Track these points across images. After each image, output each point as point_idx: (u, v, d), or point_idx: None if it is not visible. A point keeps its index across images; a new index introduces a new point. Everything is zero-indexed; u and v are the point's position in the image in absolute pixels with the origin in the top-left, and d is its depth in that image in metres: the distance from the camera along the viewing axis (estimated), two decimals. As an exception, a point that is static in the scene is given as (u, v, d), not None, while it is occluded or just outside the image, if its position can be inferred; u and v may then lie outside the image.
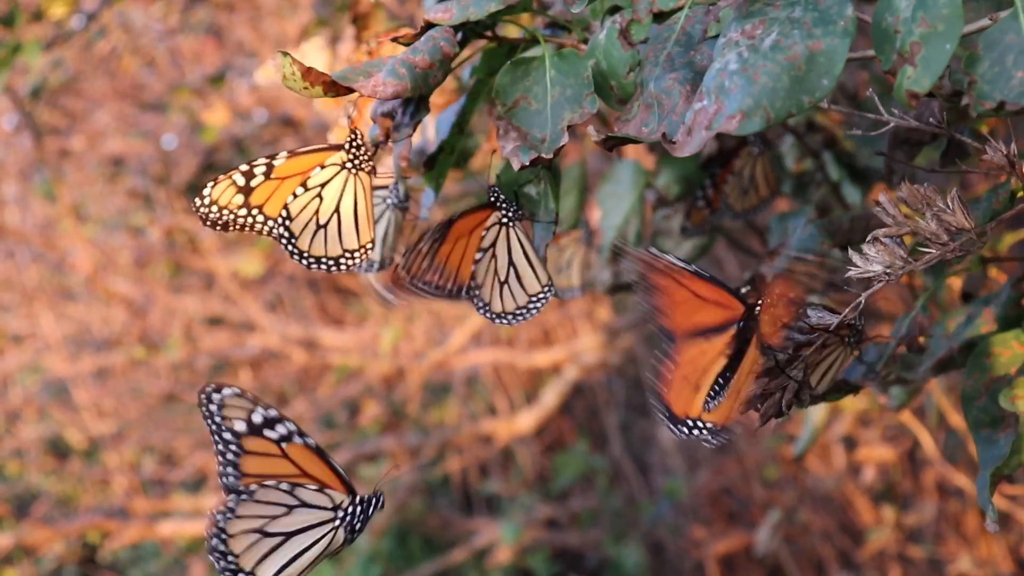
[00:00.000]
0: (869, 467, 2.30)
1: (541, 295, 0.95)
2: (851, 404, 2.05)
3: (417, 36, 0.85)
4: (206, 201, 0.94)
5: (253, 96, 3.09)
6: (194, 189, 3.60)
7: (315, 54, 1.57)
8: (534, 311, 0.95)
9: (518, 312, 0.95)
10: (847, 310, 0.78)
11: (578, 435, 3.59)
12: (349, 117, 1.18)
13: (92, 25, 2.86)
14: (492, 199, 0.93)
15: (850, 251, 0.77)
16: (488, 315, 0.95)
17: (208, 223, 0.95)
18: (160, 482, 3.66)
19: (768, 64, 0.68)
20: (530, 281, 0.95)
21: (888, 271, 0.76)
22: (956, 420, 2.01)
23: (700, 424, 0.81)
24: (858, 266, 0.77)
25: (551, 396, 3.11)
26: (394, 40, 0.86)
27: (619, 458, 3.39)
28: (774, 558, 2.78)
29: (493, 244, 0.93)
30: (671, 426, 0.82)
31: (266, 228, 0.95)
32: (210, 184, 0.94)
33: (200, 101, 3.06)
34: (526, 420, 3.12)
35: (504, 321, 0.95)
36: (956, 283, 1.09)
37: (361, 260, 0.97)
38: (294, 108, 3.18)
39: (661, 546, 3.21)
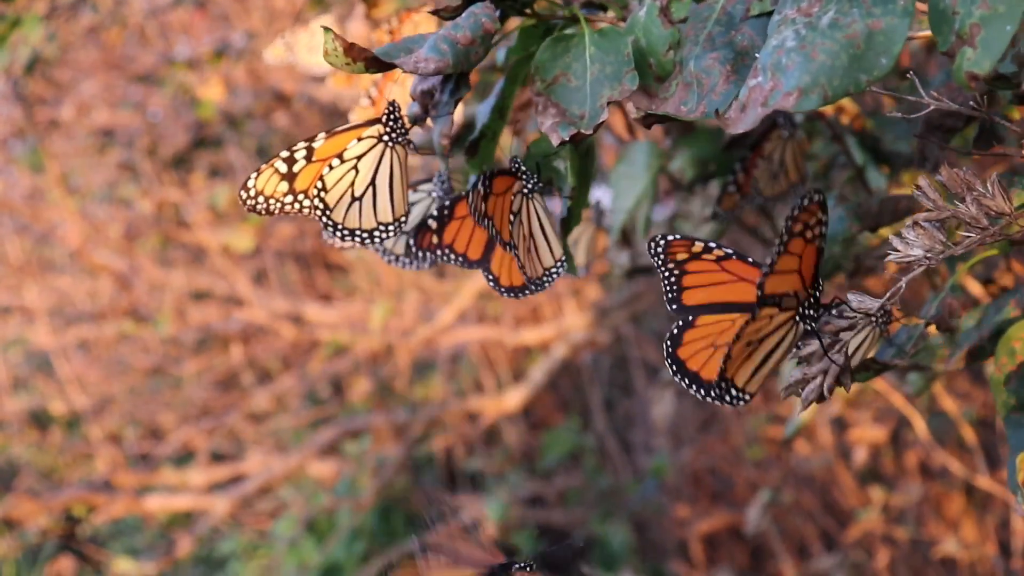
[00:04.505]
0: (860, 448, 2.31)
1: (555, 268, 0.95)
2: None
3: (458, 11, 0.85)
4: (251, 193, 0.94)
5: (244, 71, 3.08)
6: (183, 162, 3.58)
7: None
8: (547, 283, 0.96)
9: (532, 284, 0.95)
10: (888, 294, 0.79)
11: (564, 413, 3.59)
12: (370, 97, 1.18)
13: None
14: (513, 169, 0.94)
15: (891, 236, 0.77)
16: (507, 286, 0.96)
17: (256, 212, 0.95)
18: (145, 456, 3.65)
19: (826, 42, 0.68)
20: (545, 253, 0.95)
21: (928, 255, 0.76)
22: (947, 404, 2.02)
23: (740, 391, 0.82)
24: (898, 250, 0.77)
25: (539, 374, 3.11)
26: (434, 13, 0.86)
27: (603, 436, 3.39)
28: (757, 538, 2.79)
29: (519, 211, 0.94)
30: (702, 391, 0.83)
31: (317, 213, 0.95)
32: (253, 175, 0.94)
33: (194, 76, 3.05)
34: (514, 398, 3.12)
35: (518, 294, 0.96)
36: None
37: (396, 233, 0.97)
38: (283, 82, 3.17)
39: (646, 525, 3.22)
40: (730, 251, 0.83)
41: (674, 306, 0.84)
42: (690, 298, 0.84)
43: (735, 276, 0.83)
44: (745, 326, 0.79)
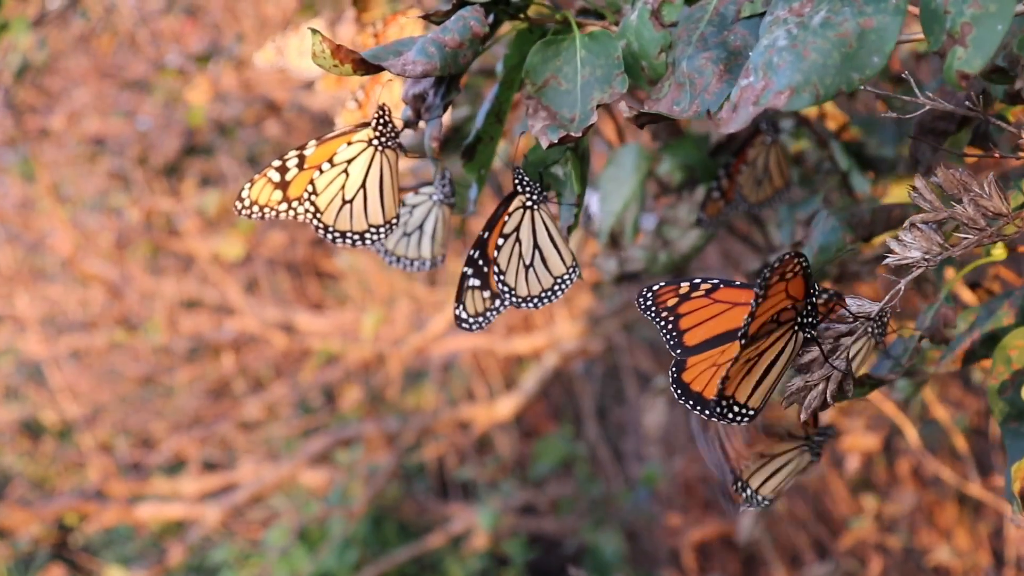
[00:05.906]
0: (852, 457, 2.30)
1: (567, 275, 0.95)
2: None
3: (448, 15, 0.85)
4: (246, 203, 0.95)
5: (234, 77, 3.07)
6: (174, 171, 3.58)
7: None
8: (560, 292, 0.95)
9: (544, 295, 0.95)
10: (887, 297, 0.78)
11: (556, 422, 3.59)
12: (357, 100, 1.18)
13: (74, 4, 2.84)
14: (516, 181, 0.93)
15: (888, 239, 0.77)
16: (513, 300, 0.95)
17: (252, 219, 0.96)
18: (136, 466, 3.64)
19: (818, 41, 0.67)
20: (555, 262, 0.95)
21: (926, 257, 0.76)
22: (940, 412, 2.01)
23: (743, 408, 0.82)
24: (896, 253, 0.76)
25: (531, 382, 3.10)
26: (425, 18, 0.85)
27: (595, 445, 3.39)
28: (750, 547, 2.78)
29: (517, 228, 0.93)
30: (706, 410, 0.83)
31: (309, 217, 0.96)
32: (247, 185, 0.95)
33: (184, 83, 3.04)
34: (506, 406, 3.11)
35: (530, 305, 0.95)
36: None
37: (386, 235, 0.97)
38: (273, 91, 3.16)
39: (638, 533, 3.22)
40: (716, 281, 0.84)
41: (678, 351, 0.84)
42: (691, 339, 0.84)
43: (728, 303, 0.84)
44: (735, 359, 0.79)
